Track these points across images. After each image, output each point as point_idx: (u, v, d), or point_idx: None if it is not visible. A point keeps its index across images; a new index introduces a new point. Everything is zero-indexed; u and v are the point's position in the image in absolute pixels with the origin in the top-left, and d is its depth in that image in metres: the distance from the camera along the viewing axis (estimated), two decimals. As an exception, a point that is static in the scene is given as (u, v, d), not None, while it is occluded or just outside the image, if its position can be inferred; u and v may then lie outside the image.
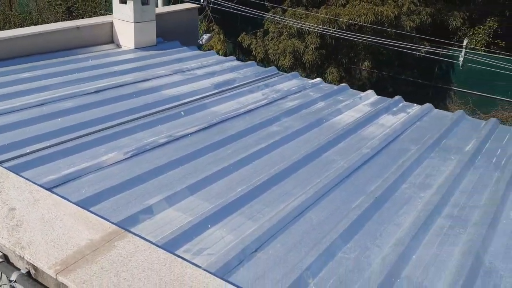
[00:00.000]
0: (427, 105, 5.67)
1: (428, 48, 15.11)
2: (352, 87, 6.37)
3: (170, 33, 7.66)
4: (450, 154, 4.47)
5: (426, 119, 5.33)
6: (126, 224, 3.00)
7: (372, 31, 14.67)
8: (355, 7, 14.75)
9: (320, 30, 14.75)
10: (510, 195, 3.82)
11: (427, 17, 14.82)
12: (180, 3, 8.96)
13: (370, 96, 5.96)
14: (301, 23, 15.07)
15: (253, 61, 7.25)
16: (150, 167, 3.76)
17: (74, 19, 13.10)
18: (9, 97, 4.93)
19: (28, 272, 2.46)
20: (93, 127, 4.42)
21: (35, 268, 2.40)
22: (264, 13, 16.17)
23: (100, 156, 3.87)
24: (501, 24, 16.12)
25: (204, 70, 6.49)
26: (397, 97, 5.85)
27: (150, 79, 5.88)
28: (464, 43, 15.65)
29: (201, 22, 17.11)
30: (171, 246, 2.81)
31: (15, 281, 2.42)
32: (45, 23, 13.47)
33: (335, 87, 6.24)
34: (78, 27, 6.70)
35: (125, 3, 6.94)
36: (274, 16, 15.80)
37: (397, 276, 2.79)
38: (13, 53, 6.02)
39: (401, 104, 5.76)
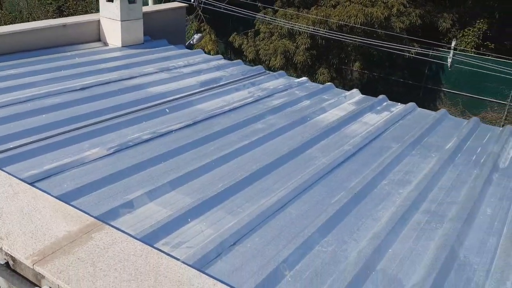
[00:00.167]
0: (411, 104, 5.74)
1: (418, 50, 15.22)
2: (344, 88, 6.42)
3: (158, 32, 7.68)
4: (430, 151, 4.53)
5: (409, 118, 5.40)
6: (106, 218, 3.03)
7: (362, 32, 14.76)
8: (345, 8, 14.83)
9: (311, 31, 14.82)
10: (488, 191, 3.89)
11: (417, 19, 14.94)
12: (170, 2, 8.98)
13: (355, 95, 6.01)
14: (291, 23, 15.14)
15: (240, 60, 7.28)
16: (132, 162, 3.79)
17: (64, 18, 13.03)
18: (-6, 94, 4.94)
19: (7, 263, 2.48)
20: (77, 123, 4.43)
21: (13, 259, 2.43)
22: (255, 13, 16.22)
23: (83, 152, 3.90)
24: (490, 26, 16.26)
25: (190, 68, 6.52)
26: (381, 96, 5.90)
27: (136, 77, 5.89)
28: (453, 45, 15.79)
29: (192, 22, 17.15)
30: (149, 239, 2.85)
31: (-7, 272, 2.45)
32: (35, 22, 13.38)
33: (321, 86, 6.28)
34: (64, 25, 6.70)
35: (112, 1, 6.95)
36: (265, 17, 15.85)
37: (372, 269, 2.85)
38: (-1, 50, 6.03)
39: (385, 103, 5.82)
